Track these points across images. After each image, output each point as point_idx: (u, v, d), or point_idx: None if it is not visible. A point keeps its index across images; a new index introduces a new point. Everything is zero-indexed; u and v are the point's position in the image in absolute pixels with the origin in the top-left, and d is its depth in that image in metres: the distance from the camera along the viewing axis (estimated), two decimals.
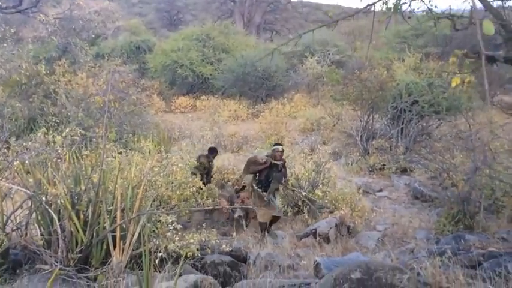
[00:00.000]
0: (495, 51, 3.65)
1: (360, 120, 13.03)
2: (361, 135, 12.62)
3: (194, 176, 8.94)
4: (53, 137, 5.18)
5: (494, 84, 17.87)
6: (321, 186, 8.35)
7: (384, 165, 11.20)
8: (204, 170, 8.97)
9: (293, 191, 8.21)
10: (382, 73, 13.35)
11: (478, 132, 8.47)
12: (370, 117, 12.96)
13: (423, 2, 4.47)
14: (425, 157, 9.42)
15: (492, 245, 5.73)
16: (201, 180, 8.91)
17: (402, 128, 12.27)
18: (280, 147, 7.23)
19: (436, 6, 4.42)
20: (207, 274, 4.64)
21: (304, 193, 8.03)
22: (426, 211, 8.52)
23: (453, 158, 8.79)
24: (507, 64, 3.69)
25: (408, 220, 7.76)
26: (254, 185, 7.29)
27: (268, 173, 7.19)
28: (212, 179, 9.30)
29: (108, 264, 4.38)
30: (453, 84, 3.59)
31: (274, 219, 7.38)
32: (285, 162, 7.40)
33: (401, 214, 8.27)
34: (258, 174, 7.27)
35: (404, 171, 11.00)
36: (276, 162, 7.09)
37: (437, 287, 3.43)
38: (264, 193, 7.16)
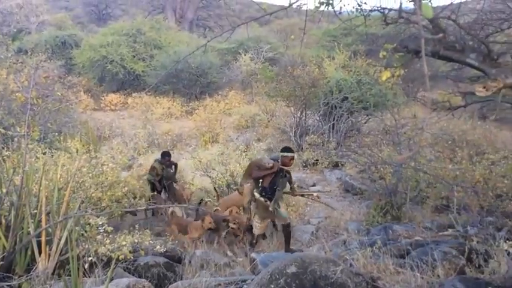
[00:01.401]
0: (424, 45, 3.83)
1: (294, 117, 13.28)
2: (294, 131, 12.86)
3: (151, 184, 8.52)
4: None
5: (417, 81, 18.90)
6: None
7: (317, 160, 11.48)
8: (157, 176, 8.57)
9: (302, 195, 7.66)
10: (313, 70, 13.68)
11: (403, 126, 8.90)
12: (303, 114, 13.24)
13: None
14: (355, 151, 9.77)
15: (418, 234, 6.05)
16: (155, 188, 8.57)
17: (333, 124, 12.64)
18: (290, 154, 6.37)
19: (365, 3, 4.57)
20: (140, 277, 4.51)
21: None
22: (357, 204, 8.83)
23: (381, 151, 9.19)
24: (434, 58, 3.90)
25: (340, 213, 8.00)
26: (257, 194, 6.48)
27: (274, 180, 6.40)
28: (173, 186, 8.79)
29: (34, 271, 4.14)
30: (383, 78, 3.74)
31: (286, 230, 6.48)
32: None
33: (334, 207, 8.52)
34: (261, 181, 6.46)
35: (336, 165, 11.35)
36: (284, 167, 6.36)
37: (368, 277, 3.55)
38: (269, 202, 6.37)
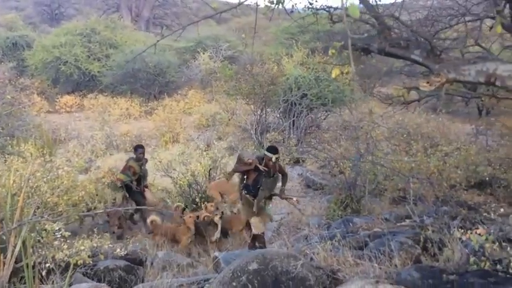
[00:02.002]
0: (370, 43, 3.93)
1: (254, 115, 13.32)
2: (255, 129, 12.90)
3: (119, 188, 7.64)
4: None
5: (373, 77, 19.36)
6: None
7: (278, 157, 11.54)
8: (134, 176, 7.71)
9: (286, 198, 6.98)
10: (272, 68, 13.76)
11: (361, 121, 9.09)
12: (263, 111, 13.30)
13: None
14: (315, 147, 9.92)
15: (377, 225, 6.20)
16: (136, 188, 7.67)
17: (293, 121, 12.77)
18: (271, 156, 6.01)
19: (316, 1, 4.63)
20: (100, 281, 4.42)
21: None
22: (318, 198, 8.96)
23: (340, 147, 9.37)
24: (380, 55, 4.00)
25: (302, 208, 8.08)
26: (243, 190, 6.35)
27: (257, 178, 6.19)
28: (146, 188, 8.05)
29: None
30: (333, 75, 3.81)
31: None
32: (280, 168, 6.47)
33: (300, 208, 8.60)
34: (245, 177, 6.34)
35: (297, 162, 11.47)
36: (263, 168, 6.09)
37: (329, 270, 3.61)
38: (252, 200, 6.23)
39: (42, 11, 40.00)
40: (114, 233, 6.90)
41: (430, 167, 7.73)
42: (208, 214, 6.58)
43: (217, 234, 6.46)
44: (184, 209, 7.33)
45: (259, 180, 6.17)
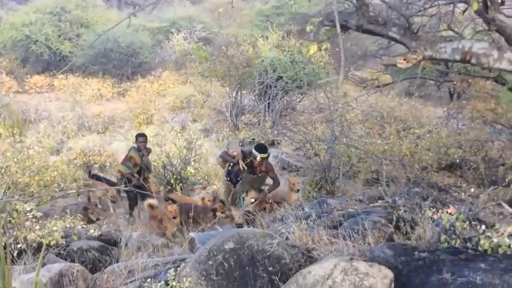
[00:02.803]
0: (348, 19, 3.94)
1: (229, 97, 13.24)
2: (230, 111, 12.85)
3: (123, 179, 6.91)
4: None
5: (347, 61, 19.46)
6: (193, 163, 8.32)
7: (254, 139, 11.56)
8: (135, 167, 7.07)
9: (271, 203, 6.67)
10: (248, 50, 13.66)
11: (336, 104, 9.16)
12: (239, 94, 13.24)
13: None
14: (290, 130, 9.96)
15: (351, 206, 6.30)
16: (137, 181, 6.92)
17: (269, 103, 12.77)
18: (257, 155, 6.01)
19: None
20: (73, 262, 4.35)
21: None
22: None
23: (315, 129, 9.43)
24: (358, 31, 4.01)
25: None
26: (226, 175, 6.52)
27: (238, 170, 6.29)
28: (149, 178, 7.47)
29: None
30: (311, 52, 3.81)
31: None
32: (269, 170, 6.34)
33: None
34: (231, 164, 6.42)
35: (272, 144, 11.48)
36: (242, 165, 6.16)
37: (304, 249, 3.65)
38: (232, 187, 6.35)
39: None
40: (93, 221, 6.61)
41: (402, 150, 7.89)
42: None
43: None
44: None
45: (238, 173, 6.30)
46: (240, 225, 6.08)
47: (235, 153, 6.37)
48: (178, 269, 3.42)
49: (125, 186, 6.68)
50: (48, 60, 19.48)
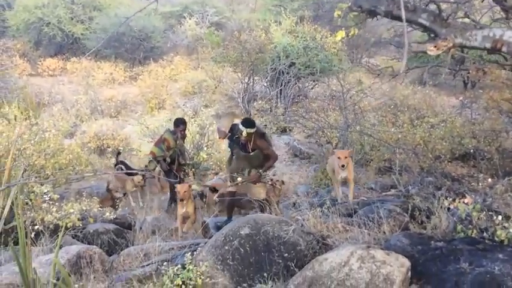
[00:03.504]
0: (377, 5, 3.88)
1: (241, 83, 13.21)
2: (242, 97, 12.83)
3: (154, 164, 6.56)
4: None
5: (360, 48, 19.33)
6: (205, 148, 8.36)
7: (266, 125, 11.55)
8: (169, 151, 6.67)
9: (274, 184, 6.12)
10: (260, 35, 13.58)
11: (349, 92, 9.10)
12: (251, 80, 13.20)
13: None
14: (302, 117, 9.93)
15: (363, 194, 6.32)
16: (166, 167, 6.66)
17: (281, 90, 12.72)
18: (244, 130, 5.47)
19: None
20: (90, 244, 4.43)
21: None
22: (305, 167, 9.03)
23: (327, 117, 9.40)
24: (387, 17, 3.96)
25: (289, 177, 8.16)
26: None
27: (231, 145, 5.86)
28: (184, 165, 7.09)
29: None
30: (338, 38, 3.78)
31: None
32: (260, 146, 5.68)
33: (283, 172, 8.66)
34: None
35: (284, 131, 11.49)
36: (220, 138, 5.89)
37: (319, 236, 3.68)
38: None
39: None
40: (115, 204, 6.54)
41: (416, 138, 7.84)
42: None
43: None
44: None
45: (231, 147, 5.88)
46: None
47: (223, 129, 5.87)
48: (195, 253, 3.46)
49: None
50: (61, 43, 19.52)
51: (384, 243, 3.36)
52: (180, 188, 5.39)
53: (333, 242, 3.62)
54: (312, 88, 13.84)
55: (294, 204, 6.12)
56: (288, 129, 11.46)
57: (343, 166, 5.29)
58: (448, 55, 3.84)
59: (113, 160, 7.93)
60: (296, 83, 12.89)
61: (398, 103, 10.59)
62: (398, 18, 3.93)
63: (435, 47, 3.49)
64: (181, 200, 5.35)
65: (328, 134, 8.80)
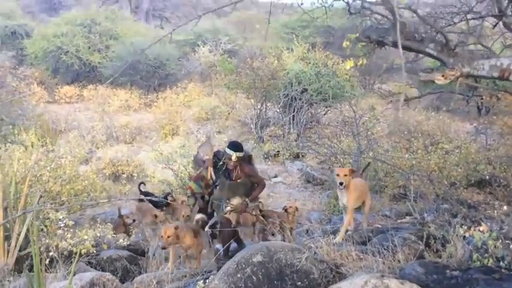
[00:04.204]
0: (385, 35, 3.95)
1: (254, 109, 13.32)
2: (255, 123, 12.91)
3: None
4: None
5: (373, 74, 19.44)
6: None
7: (278, 151, 11.59)
8: (207, 189, 5.84)
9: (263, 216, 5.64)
10: (273, 62, 13.74)
11: (361, 118, 9.12)
12: (264, 106, 13.31)
13: None
14: (315, 143, 9.94)
15: (377, 222, 6.24)
16: (203, 204, 5.87)
17: (293, 116, 12.78)
18: (231, 154, 5.10)
19: None
20: (103, 270, 4.44)
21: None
22: (318, 194, 9.00)
23: (340, 142, 9.40)
24: (394, 47, 4.02)
25: (302, 203, 8.12)
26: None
27: (216, 173, 5.44)
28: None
29: None
30: (348, 67, 3.84)
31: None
32: (249, 173, 5.36)
33: (296, 198, 8.64)
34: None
35: (296, 157, 11.49)
36: (211, 174, 5.37)
37: (332, 264, 3.64)
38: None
39: (41, 0, 39.72)
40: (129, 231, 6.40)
41: (430, 165, 7.79)
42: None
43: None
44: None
45: (217, 175, 5.42)
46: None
47: (206, 158, 5.37)
48: (207, 281, 3.45)
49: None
50: (78, 71, 19.96)
51: (398, 272, 3.31)
52: (164, 232, 4.58)
53: (347, 271, 3.58)
54: (325, 114, 13.89)
55: (307, 231, 6.09)
56: (300, 155, 11.46)
57: (341, 184, 4.56)
58: (456, 84, 3.87)
59: (128, 187, 7.97)
60: (308, 109, 12.95)
61: (412, 129, 10.56)
62: (406, 48, 3.99)
63: (443, 76, 3.53)
64: (164, 248, 4.62)
65: (341, 160, 8.77)
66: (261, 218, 5.55)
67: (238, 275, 3.37)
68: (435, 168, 7.55)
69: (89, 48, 20.16)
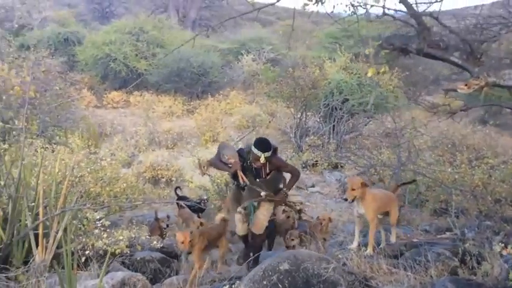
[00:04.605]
0: (409, 43, 3.86)
1: (294, 118, 13.28)
2: (295, 132, 12.88)
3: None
4: None
5: (419, 85, 18.92)
6: None
7: (317, 161, 11.49)
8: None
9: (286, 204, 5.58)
10: (314, 71, 13.68)
11: (403, 129, 8.90)
12: (304, 115, 13.25)
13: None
14: (354, 153, 9.78)
15: (416, 237, 6.06)
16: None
17: (334, 126, 12.65)
18: (259, 155, 4.71)
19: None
20: (136, 271, 4.53)
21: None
22: None
23: (380, 154, 9.21)
24: (418, 55, 3.92)
25: (338, 214, 8.00)
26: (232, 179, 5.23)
27: (235, 176, 5.03)
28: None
29: (31, 263, 4.17)
30: (369, 74, 3.78)
31: (254, 241, 5.15)
32: (280, 165, 5.10)
33: (332, 208, 8.53)
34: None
35: (335, 167, 11.35)
36: (242, 180, 4.85)
37: (361, 276, 3.56)
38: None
39: (94, 8, 41.36)
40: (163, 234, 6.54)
41: (474, 180, 7.49)
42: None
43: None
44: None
45: (245, 175, 4.95)
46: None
47: (232, 161, 4.84)
48: (233, 286, 3.45)
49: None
50: (125, 78, 20.58)
51: (429, 287, 3.20)
52: (179, 237, 4.46)
53: (377, 284, 3.49)
54: (366, 125, 13.66)
55: (341, 243, 5.99)
56: (339, 166, 11.31)
57: (346, 200, 4.42)
58: (481, 94, 3.71)
59: (166, 191, 8.14)
60: (349, 119, 12.78)
61: (456, 142, 10.20)
62: (429, 56, 3.88)
63: (466, 85, 3.40)
64: (189, 253, 4.54)
65: (381, 172, 8.58)
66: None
67: (264, 282, 3.36)
68: (479, 184, 7.25)
69: (136, 55, 20.77)
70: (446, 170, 8.16)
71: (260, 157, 4.71)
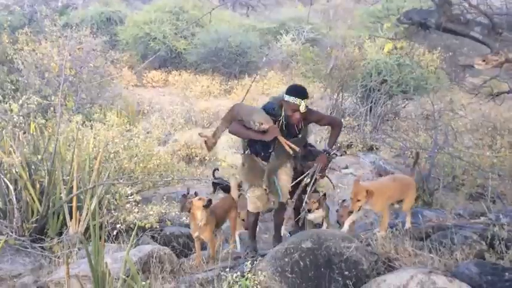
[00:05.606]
0: (428, 17, 3.73)
1: (330, 99, 13.12)
2: (330, 113, 12.72)
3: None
4: (9, 105, 5.07)
5: (463, 67, 18.23)
6: None
7: (352, 142, 11.35)
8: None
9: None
10: (353, 51, 13.40)
11: (441, 111, 8.65)
12: (340, 96, 13.06)
13: None
14: (390, 135, 9.61)
15: (449, 220, 5.94)
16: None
17: (371, 107, 12.42)
18: (299, 103, 3.93)
19: None
20: (165, 245, 4.68)
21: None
22: None
23: (417, 136, 9.00)
24: (438, 30, 3.78)
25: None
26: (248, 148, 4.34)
27: (253, 142, 4.22)
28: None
29: (65, 234, 4.38)
30: (385, 50, 3.69)
31: (277, 213, 4.58)
32: (317, 116, 4.33)
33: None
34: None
35: (370, 149, 11.18)
36: (287, 145, 3.95)
37: (385, 257, 3.55)
38: (263, 164, 4.23)
39: None
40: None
41: None
42: None
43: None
44: None
45: (271, 143, 4.07)
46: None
47: (265, 127, 3.89)
48: (255, 262, 3.52)
49: None
50: (165, 57, 20.85)
51: (453, 270, 3.15)
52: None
53: (400, 265, 3.47)
54: (404, 107, 13.33)
55: (372, 224, 5.97)
56: (374, 148, 11.13)
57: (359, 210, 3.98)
58: (500, 70, 3.55)
59: (200, 170, 8.26)
60: (387, 101, 12.50)
61: (498, 125, 9.83)
62: (449, 31, 3.74)
63: (484, 61, 3.25)
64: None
65: None
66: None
67: (286, 259, 3.40)
68: None
69: (176, 34, 20.94)
70: (484, 154, 7.92)
71: (300, 106, 3.93)
